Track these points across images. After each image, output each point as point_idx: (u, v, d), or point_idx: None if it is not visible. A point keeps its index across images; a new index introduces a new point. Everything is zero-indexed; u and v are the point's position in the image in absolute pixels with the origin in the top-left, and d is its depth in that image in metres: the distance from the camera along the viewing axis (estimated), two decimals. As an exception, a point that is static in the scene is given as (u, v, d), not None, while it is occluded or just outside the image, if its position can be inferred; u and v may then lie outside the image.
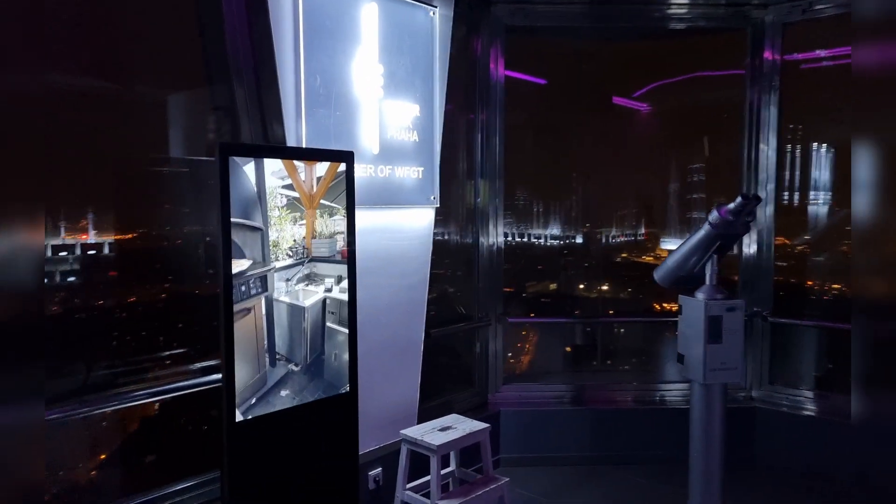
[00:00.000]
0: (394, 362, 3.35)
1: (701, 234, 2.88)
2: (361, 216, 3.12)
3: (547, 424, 4.15)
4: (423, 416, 3.55)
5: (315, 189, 2.58)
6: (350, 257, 2.70)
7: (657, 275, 3.14)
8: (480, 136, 4.16)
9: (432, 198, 3.46)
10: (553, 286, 4.92)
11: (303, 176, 2.53)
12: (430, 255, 3.51)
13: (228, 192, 2.26)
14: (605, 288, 4.89)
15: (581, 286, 4.87)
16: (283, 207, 2.47)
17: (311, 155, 2.55)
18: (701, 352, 2.86)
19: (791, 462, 4.05)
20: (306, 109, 2.80)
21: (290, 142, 2.79)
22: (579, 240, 4.80)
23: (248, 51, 2.78)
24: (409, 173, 3.31)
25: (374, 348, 3.24)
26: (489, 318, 4.23)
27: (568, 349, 4.90)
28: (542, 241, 4.76)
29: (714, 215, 2.81)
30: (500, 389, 4.28)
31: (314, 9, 2.81)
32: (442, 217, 4.25)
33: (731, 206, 2.76)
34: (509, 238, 4.51)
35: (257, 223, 2.37)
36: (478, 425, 3.21)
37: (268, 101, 2.80)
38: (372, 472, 3.28)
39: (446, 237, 4.28)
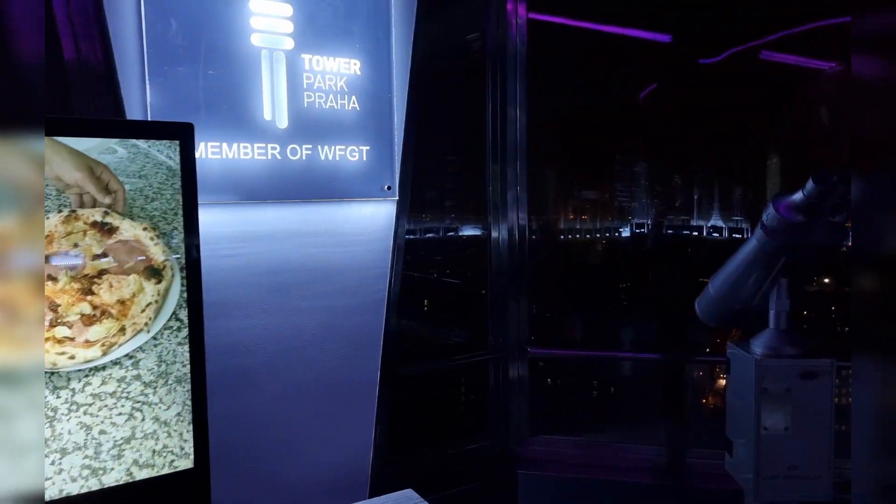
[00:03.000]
0: (328, 413, 2.47)
1: (752, 244, 1.65)
2: (261, 215, 2.29)
3: (600, 500, 3.00)
4: (392, 481, 2.62)
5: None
6: (190, 271, 1.86)
7: (698, 307, 1.94)
8: (490, 106, 3.10)
9: (386, 187, 2.51)
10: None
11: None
12: (391, 264, 2.57)
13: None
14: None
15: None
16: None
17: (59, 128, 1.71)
18: (752, 443, 1.63)
19: None
20: (151, 68, 2.02)
21: (134, 115, 2.03)
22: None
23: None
24: (346, 154, 2.41)
25: (294, 394, 2.39)
26: (501, 348, 3.16)
27: (641, 393, 3.65)
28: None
29: (769, 213, 1.57)
30: (527, 441, 3.21)
31: (165, -73, 2.01)
32: (454, 214, 3.29)
33: (797, 196, 1.51)
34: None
35: None
36: (427, 515, 2.23)
37: (107, 61, 2.06)
38: (290, 564, 2.44)
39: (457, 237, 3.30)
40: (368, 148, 2.45)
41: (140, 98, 2.03)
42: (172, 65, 2.05)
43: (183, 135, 1.85)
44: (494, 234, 3.14)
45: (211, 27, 2.10)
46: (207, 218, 2.16)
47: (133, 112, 2.02)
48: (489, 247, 3.16)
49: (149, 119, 2.02)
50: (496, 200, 3.12)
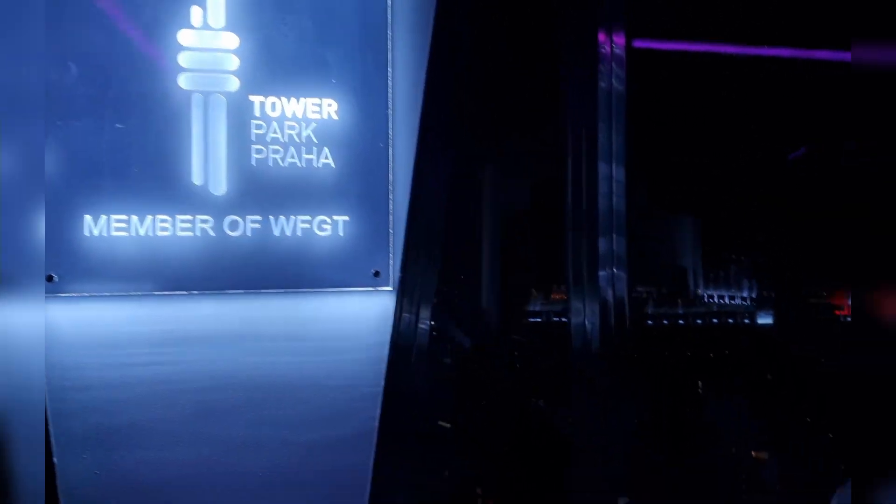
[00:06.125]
0: None
1: None
2: (192, 311, 1.70)
3: None
4: None
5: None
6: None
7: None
8: (571, 160, 2.19)
9: (373, 272, 1.78)
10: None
11: None
12: (384, 378, 1.80)
13: None
14: None
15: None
16: None
17: None
18: None
19: None
20: (49, 123, 1.60)
21: (26, 183, 1.61)
22: None
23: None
24: (313, 228, 1.74)
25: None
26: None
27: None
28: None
29: None
30: None
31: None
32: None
33: None
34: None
35: None
36: None
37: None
38: None
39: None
40: (347, 219, 1.76)
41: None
42: (68, 118, 1.61)
43: None
44: (576, 320, 2.17)
45: (123, 70, 1.64)
46: (116, 314, 1.65)
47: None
48: (571, 342, 2.19)
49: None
50: (579, 281, 2.18)
